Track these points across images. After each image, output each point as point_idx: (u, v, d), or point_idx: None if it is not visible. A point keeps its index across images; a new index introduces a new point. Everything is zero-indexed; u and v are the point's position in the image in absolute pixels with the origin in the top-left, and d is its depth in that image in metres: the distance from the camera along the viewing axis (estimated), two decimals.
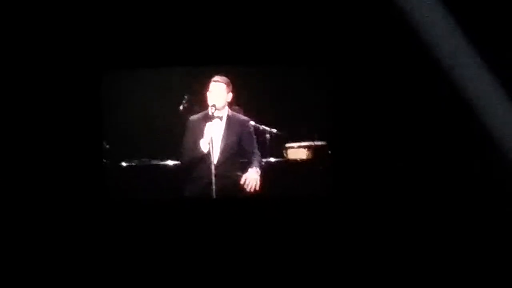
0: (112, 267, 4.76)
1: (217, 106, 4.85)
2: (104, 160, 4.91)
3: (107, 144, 4.91)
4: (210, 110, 4.83)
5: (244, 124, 4.91)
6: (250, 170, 4.88)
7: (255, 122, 4.92)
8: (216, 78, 4.84)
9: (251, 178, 4.87)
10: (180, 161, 4.91)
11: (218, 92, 4.85)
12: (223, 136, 4.89)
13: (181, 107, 4.90)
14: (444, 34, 4.45)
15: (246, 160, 4.92)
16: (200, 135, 4.85)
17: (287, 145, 4.98)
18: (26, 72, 4.81)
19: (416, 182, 4.76)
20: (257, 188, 4.87)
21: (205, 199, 4.85)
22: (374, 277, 4.64)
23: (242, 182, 4.87)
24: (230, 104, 4.91)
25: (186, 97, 4.90)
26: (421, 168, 4.76)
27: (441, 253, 4.63)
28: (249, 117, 4.93)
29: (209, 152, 4.82)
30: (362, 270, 4.68)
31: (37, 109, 4.82)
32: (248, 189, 4.86)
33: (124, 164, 4.94)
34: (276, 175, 4.94)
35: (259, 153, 4.92)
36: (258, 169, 4.89)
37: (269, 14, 4.82)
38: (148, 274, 4.75)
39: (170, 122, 4.91)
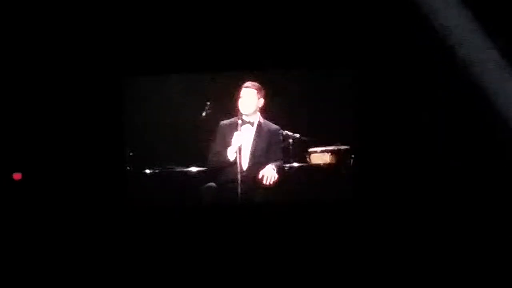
0: (133, 274, 4.76)
1: (245, 112, 4.88)
2: (128, 168, 4.89)
3: (130, 152, 4.90)
4: (240, 117, 4.85)
5: (274, 132, 4.92)
6: (266, 166, 4.88)
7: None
8: (247, 84, 4.87)
9: (268, 173, 4.88)
10: (207, 166, 4.91)
11: (248, 98, 4.88)
12: (253, 143, 4.91)
13: (204, 113, 4.90)
14: (468, 37, 4.46)
15: None
16: (229, 140, 4.87)
17: (310, 149, 4.98)
18: (47, 82, 4.81)
19: (439, 187, 4.77)
20: (274, 181, 4.86)
21: (231, 204, 4.85)
22: (394, 284, 4.66)
23: (259, 177, 4.87)
24: (262, 111, 4.92)
25: (208, 103, 4.90)
26: (443, 173, 4.77)
27: (463, 256, 4.64)
28: (271, 121, 4.94)
29: (236, 159, 4.83)
30: (383, 274, 4.70)
31: (60, 116, 4.82)
32: (266, 183, 4.86)
33: (148, 171, 4.93)
34: (299, 180, 4.95)
35: (281, 162, 4.93)
36: (273, 166, 4.89)
37: (293, 19, 4.83)
38: (172, 281, 4.75)
39: (194, 129, 4.91)
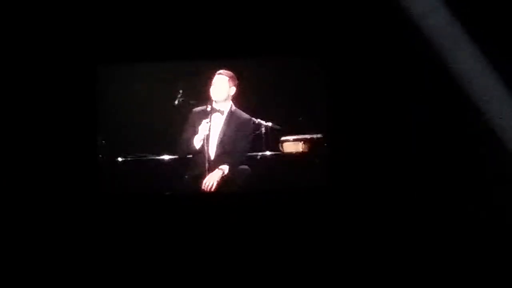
0: (107, 263, 4.78)
1: (216, 99, 4.87)
2: (100, 156, 4.91)
3: (102, 140, 4.92)
4: (209, 106, 4.85)
5: (244, 122, 4.91)
6: (216, 170, 4.86)
7: (251, 116, 4.92)
8: (220, 71, 4.86)
9: (210, 178, 4.85)
10: (177, 154, 4.90)
11: (220, 85, 4.88)
12: (221, 131, 4.90)
13: (176, 102, 4.90)
14: (439, 25, 4.42)
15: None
16: (198, 128, 4.87)
17: (283, 138, 4.96)
18: (20, 68, 4.82)
19: (412, 174, 4.74)
20: (213, 189, 4.84)
21: (199, 193, 4.85)
22: (370, 270, 4.64)
23: (204, 181, 4.85)
24: (234, 99, 4.91)
25: (181, 91, 4.90)
26: (416, 160, 4.74)
27: (436, 246, 4.61)
28: (243, 109, 4.92)
29: (203, 146, 4.82)
30: (359, 262, 4.68)
31: (31, 104, 4.83)
32: (205, 189, 4.84)
33: (120, 159, 4.94)
34: (272, 168, 4.93)
35: (244, 154, 4.91)
36: (224, 168, 4.87)
37: (263, 7, 4.80)
38: (144, 270, 4.77)
39: (166, 117, 4.91)
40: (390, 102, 4.77)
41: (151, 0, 4.84)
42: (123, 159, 4.95)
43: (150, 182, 4.92)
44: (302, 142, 4.96)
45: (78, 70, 4.86)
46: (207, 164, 4.82)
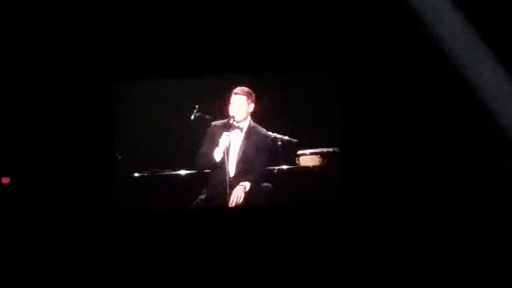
0: (124, 278, 4.75)
1: (236, 118, 4.88)
2: (116, 171, 4.87)
3: (119, 156, 4.88)
4: (231, 120, 4.85)
5: (263, 138, 4.91)
6: (238, 186, 4.87)
7: (267, 130, 4.93)
8: (237, 90, 4.85)
9: (236, 193, 4.87)
10: (195, 168, 4.89)
11: (239, 105, 4.87)
12: (240, 148, 4.90)
13: (192, 117, 4.88)
14: (454, 38, 4.43)
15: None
16: (218, 141, 4.87)
17: (299, 152, 4.97)
18: (37, 85, 4.76)
19: (427, 190, 4.77)
20: (241, 203, 4.86)
21: (220, 208, 4.84)
22: (383, 284, 4.67)
23: (231, 196, 4.87)
24: (252, 114, 4.92)
25: (197, 106, 4.88)
26: (432, 176, 4.76)
27: (450, 261, 4.64)
28: (260, 124, 4.93)
29: (222, 161, 4.82)
30: (371, 277, 4.70)
31: (49, 121, 4.78)
32: (232, 204, 4.85)
33: (136, 174, 4.91)
34: (289, 182, 4.94)
35: (263, 170, 4.93)
36: (246, 184, 4.88)
37: (278, 22, 4.80)
38: (161, 285, 4.74)
39: (182, 132, 4.88)
40: (406, 117, 4.79)
41: (167, 18, 4.80)
42: (140, 174, 4.91)
43: (167, 197, 4.89)
44: (318, 155, 4.98)
45: (94, 86, 4.81)
46: (227, 179, 4.80)
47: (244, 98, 4.86)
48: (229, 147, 4.86)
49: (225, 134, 4.85)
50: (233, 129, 4.88)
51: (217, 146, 4.86)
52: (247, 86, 4.88)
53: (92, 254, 4.77)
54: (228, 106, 4.88)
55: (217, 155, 4.86)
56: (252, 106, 4.89)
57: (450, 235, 4.66)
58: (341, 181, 4.92)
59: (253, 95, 4.88)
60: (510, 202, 4.50)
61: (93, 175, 4.82)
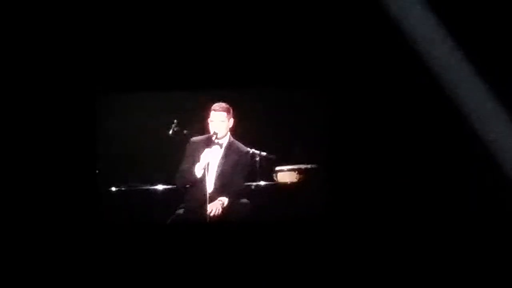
0: None
1: (218, 135, 4.89)
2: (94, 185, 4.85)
3: (96, 169, 4.85)
4: (213, 137, 4.88)
5: (242, 154, 4.93)
6: (216, 200, 4.87)
7: (245, 145, 4.94)
8: (215, 106, 4.87)
9: (214, 207, 4.87)
10: (175, 183, 4.88)
11: (219, 121, 4.89)
12: (220, 163, 4.91)
13: (170, 132, 4.88)
14: (445, 58, 4.46)
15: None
16: (198, 157, 4.87)
17: (277, 168, 4.99)
18: (19, 97, 4.76)
19: (411, 205, 4.79)
20: (218, 215, 4.86)
21: (198, 223, 4.84)
22: None
23: (208, 209, 4.86)
24: (232, 129, 4.94)
25: (175, 121, 4.88)
26: (416, 191, 4.80)
27: (437, 274, 4.67)
28: (240, 140, 4.95)
29: (203, 177, 4.81)
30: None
31: (32, 132, 4.77)
32: (209, 216, 4.85)
33: (113, 189, 4.88)
34: (266, 198, 4.95)
35: (242, 186, 4.94)
36: (224, 200, 4.89)
37: (262, 37, 4.84)
38: None
39: (160, 146, 4.88)
40: (386, 133, 4.83)
41: (150, 32, 4.82)
42: (117, 189, 4.88)
43: (145, 212, 4.88)
44: (296, 172, 5.00)
45: (76, 100, 4.81)
46: (207, 194, 4.81)
47: (224, 114, 4.88)
48: (209, 163, 4.87)
49: (207, 150, 4.86)
50: (213, 145, 4.88)
51: (198, 162, 4.86)
52: (224, 102, 4.89)
53: (69, 266, 4.73)
54: (207, 122, 4.89)
55: (198, 171, 4.85)
56: (231, 122, 4.91)
57: (436, 247, 4.70)
58: (318, 197, 4.92)
59: (231, 110, 4.89)
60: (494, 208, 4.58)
61: (72, 188, 4.79)
